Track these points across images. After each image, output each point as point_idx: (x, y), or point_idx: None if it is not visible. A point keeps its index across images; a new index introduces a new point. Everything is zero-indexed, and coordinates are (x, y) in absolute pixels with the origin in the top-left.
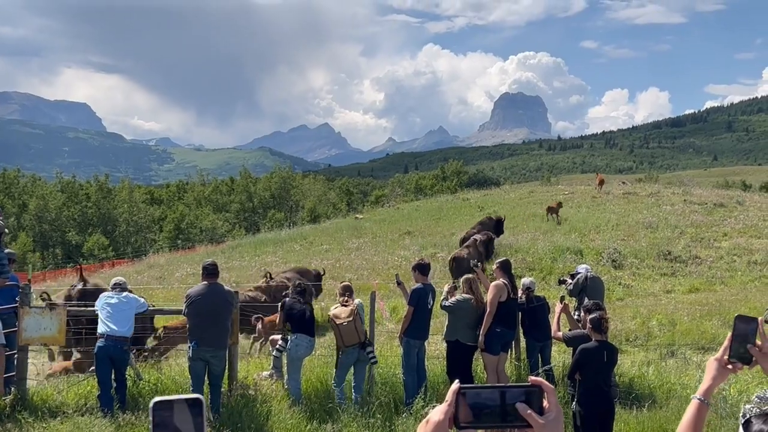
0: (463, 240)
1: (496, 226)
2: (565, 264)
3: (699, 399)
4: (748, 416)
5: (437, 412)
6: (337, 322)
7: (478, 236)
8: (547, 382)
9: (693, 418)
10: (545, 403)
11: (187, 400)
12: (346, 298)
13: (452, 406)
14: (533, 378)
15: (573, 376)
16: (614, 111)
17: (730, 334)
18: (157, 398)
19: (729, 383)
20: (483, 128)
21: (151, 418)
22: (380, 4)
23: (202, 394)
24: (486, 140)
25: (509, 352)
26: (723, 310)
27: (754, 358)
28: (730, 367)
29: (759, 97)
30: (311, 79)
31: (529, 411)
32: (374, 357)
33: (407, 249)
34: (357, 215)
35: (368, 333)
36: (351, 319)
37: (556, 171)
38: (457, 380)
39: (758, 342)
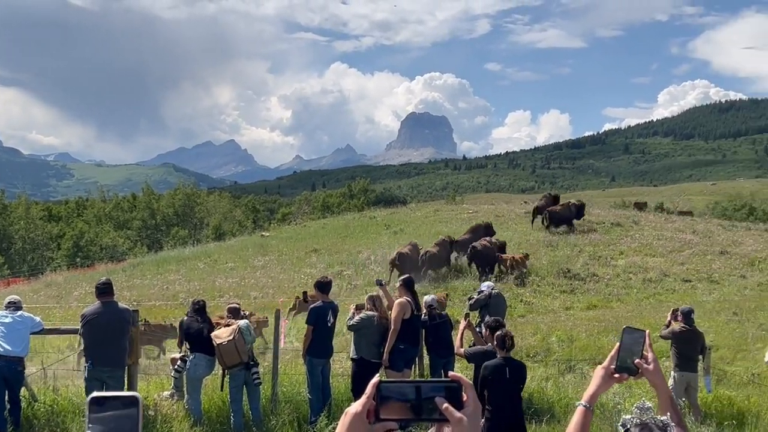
0: (457, 243)
1: (486, 230)
2: (469, 282)
3: (584, 405)
4: (627, 426)
5: (356, 405)
6: (217, 342)
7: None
8: (465, 378)
9: (578, 423)
10: (464, 398)
11: (122, 397)
12: (228, 319)
13: (371, 399)
14: (452, 373)
15: (481, 393)
16: (517, 132)
17: (617, 344)
18: (95, 393)
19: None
20: (390, 147)
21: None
22: (288, 22)
23: None
24: (393, 159)
25: (413, 369)
26: (619, 326)
27: (639, 370)
28: (616, 376)
29: (654, 120)
30: (217, 95)
31: (446, 405)
32: (258, 379)
33: (314, 267)
34: (263, 233)
35: (275, 351)
36: (231, 338)
37: (462, 190)
38: (377, 374)
39: (645, 354)
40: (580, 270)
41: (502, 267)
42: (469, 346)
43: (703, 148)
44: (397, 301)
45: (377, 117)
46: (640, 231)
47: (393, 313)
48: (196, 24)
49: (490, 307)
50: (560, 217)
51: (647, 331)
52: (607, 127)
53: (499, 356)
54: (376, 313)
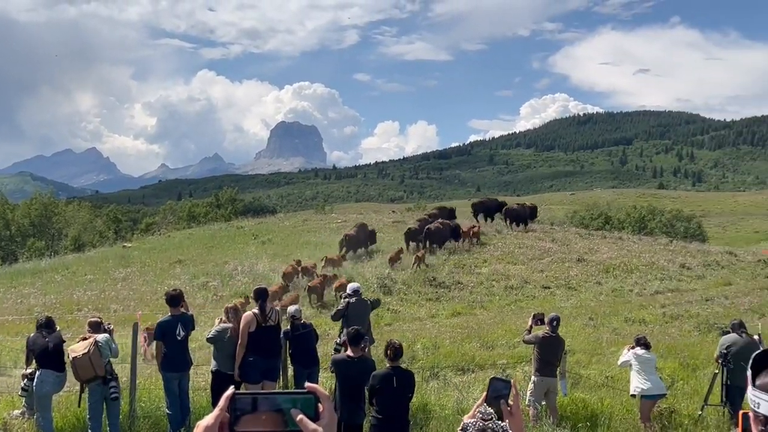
0: (413, 231)
1: (449, 214)
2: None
3: None
4: (468, 430)
5: (207, 418)
6: (72, 356)
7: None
8: (321, 389)
9: None
10: (320, 409)
11: None
12: (87, 333)
13: (224, 411)
14: (309, 385)
15: (370, 401)
16: (386, 142)
17: (485, 393)
18: None
19: None
20: (259, 156)
21: None
22: (153, 28)
23: None
24: (262, 168)
25: (278, 380)
26: (482, 332)
27: (504, 417)
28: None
29: (517, 132)
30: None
31: (301, 417)
32: (115, 393)
33: (177, 278)
34: (125, 244)
35: (132, 366)
36: (86, 352)
37: (332, 200)
38: (232, 386)
39: (510, 402)
40: (446, 278)
41: (465, 238)
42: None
43: (562, 159)
44: (243, 315)
45: (246, 125)
46: (503, 240)
47: (241, 326)
48: (56, 28)
49: (349, 317)
50: (517, 215)
51: (513, 381)
52: (473, 138)
53: (387, 365)
54: (230, 325)
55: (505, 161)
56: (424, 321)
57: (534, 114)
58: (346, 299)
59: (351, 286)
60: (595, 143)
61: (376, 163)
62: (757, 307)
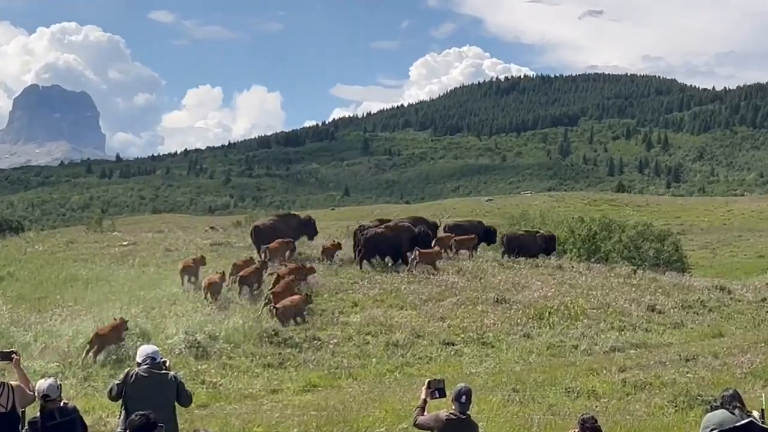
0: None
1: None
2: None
3: None
4: None
5: None
6: None
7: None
8: None
9: None
10: None
11: None
12: None
13: None
14: None
15: None
16: (202, 119)
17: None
18: None
19: None
20: None
21: None
22: None
23: None
24: (1, 161)
25: None
26: (349, 415)
27: None
28: None
29: (405, 105)
30: None
31: None
32: None
33: None
34: None
35: None
36: None
37: (114, 209)
38: None
39: None
40: (294, 332)
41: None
42: None
43: (474, 147)
44: None
45: None
46: (385, 272)
47: None
48: None
49: (130, 398)
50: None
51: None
52: (338, 114)
53: None
54: None
55: (388, 149)
56: (261, 399)
57: (431, 77)
58: (127, 371)
59: (143, 351)
60: (523, 123)
61: (187, 152)
62: (760, 371)
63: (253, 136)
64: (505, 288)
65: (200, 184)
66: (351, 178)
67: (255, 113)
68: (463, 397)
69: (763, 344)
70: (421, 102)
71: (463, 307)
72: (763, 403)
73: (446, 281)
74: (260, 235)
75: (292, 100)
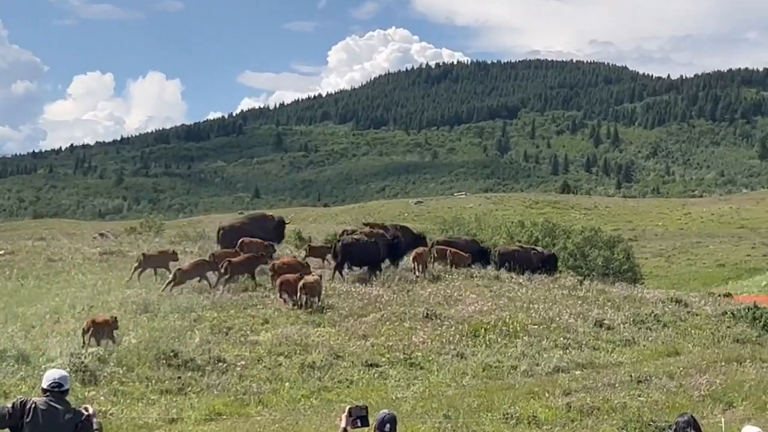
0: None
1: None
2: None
3: None
4: None
5: None
6: None
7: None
8: None
9: None
10: None
11: None
12: None
13: None
14: None
15: None
16: (91, 111)
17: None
18: None
19: None
20: None
21: None
22: None
23: None
24: None
25: None
26: None
27: None
28: None
29: (323, 95)
30: None
31: None
32: None
33: None
34: None
35: None
36: None
37: None
38: None
39: None
40: (196, 352)
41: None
42: None
43: (401, 142)
44: None
45: None
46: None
47: None
48: None
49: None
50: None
51: None
52: (247, 104)
53: None
54: None
55: (304, 145)
56: (157, 431)
57: (352, 63)
58: (22, 399)
59: (49, 376)
60: (457, 116)
61: (73, 148)
62: (719, 393)
63: (149, 130)
64: (435, 302)
65: (88, 185)
66: (262, 177)
67: (151, 103)
68: (387, 425)
69: (723, 363)
70: (341, 91)
71: (388, 323)
72: (722, 429)
73: (369, 294)
74: (226, 238)
75: (194, 89)
